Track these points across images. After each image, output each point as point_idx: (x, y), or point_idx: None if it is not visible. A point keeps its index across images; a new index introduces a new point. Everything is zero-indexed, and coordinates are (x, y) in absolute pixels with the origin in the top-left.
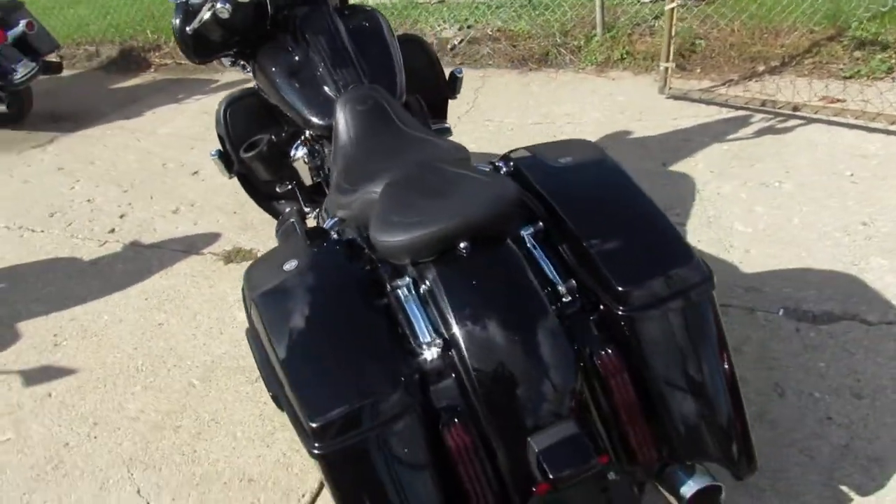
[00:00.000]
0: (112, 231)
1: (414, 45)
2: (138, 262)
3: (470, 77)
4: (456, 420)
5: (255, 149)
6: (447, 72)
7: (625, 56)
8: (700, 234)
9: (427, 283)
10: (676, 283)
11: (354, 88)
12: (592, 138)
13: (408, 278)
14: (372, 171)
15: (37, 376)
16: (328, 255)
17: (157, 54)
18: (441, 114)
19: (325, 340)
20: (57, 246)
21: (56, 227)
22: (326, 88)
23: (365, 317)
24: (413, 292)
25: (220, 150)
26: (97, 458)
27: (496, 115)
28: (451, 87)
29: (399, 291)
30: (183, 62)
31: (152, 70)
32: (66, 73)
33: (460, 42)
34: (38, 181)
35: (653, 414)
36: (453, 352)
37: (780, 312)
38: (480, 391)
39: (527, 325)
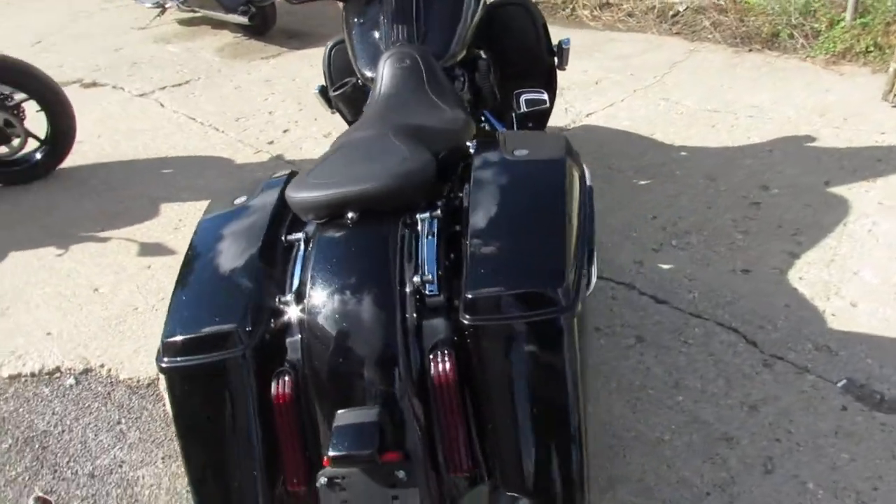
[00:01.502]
0: (271, 143)
1: (517, 10)
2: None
3: (676, 50)
4: (286, 376)
5: (342, 89)
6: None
7: (871, 49)
8: (808, 272)
9: (311, 243)
10: (529, 305)
11: (401, 46)
12: (766, 138)
13: (301, 234)
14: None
15: (147, 250)
16: (270, 197)
17: None
18: (541, 82)
19: (212, 269)
20: (226, 147)
21: (234, 130)
22: (381, 42)
23: (253, 257)
24: (300, 249)
25: (321, 86)
26: (150, 327)
27: (675, 95)
28: (559, 57)
29: (293, 244)
30: None
31: None
32: None
33: (685, 9)
34: (245, 88)
35: (479, 432)
36: (303, 312)
37: (840, 384)
38: (308, 355)
39: (366, 306)
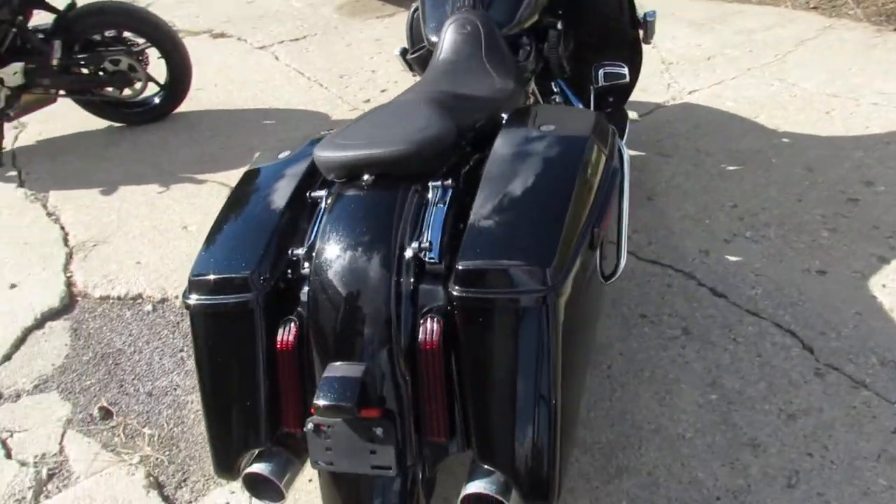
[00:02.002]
0: (367, 101)
1: None
2: None
3: (808, 26)
4: (292, 324)
5: (417, 52)
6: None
7: None
8: (894, 280)
9: (329, 200)
10: (514, 281)
11: (465, 11)
12: (887, 129)
13: (324, 192)
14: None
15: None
16: (308, 154)
17: None
18: (623, 56)
19: (242, 217)
20: (326, 102)
21: (337, 86)
22: (448, 7)
23: (280, 209)
24: (321, 206)
25: (403, 48)
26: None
27: (793, 76)
28: (644, 30)
29: (317, 201)
30: None
31: None
32: None
33: None
34: (355, 46)
35: (461, 401)
36: (311, 265)
37: None
38: (311, 307)
39: (365, 266)
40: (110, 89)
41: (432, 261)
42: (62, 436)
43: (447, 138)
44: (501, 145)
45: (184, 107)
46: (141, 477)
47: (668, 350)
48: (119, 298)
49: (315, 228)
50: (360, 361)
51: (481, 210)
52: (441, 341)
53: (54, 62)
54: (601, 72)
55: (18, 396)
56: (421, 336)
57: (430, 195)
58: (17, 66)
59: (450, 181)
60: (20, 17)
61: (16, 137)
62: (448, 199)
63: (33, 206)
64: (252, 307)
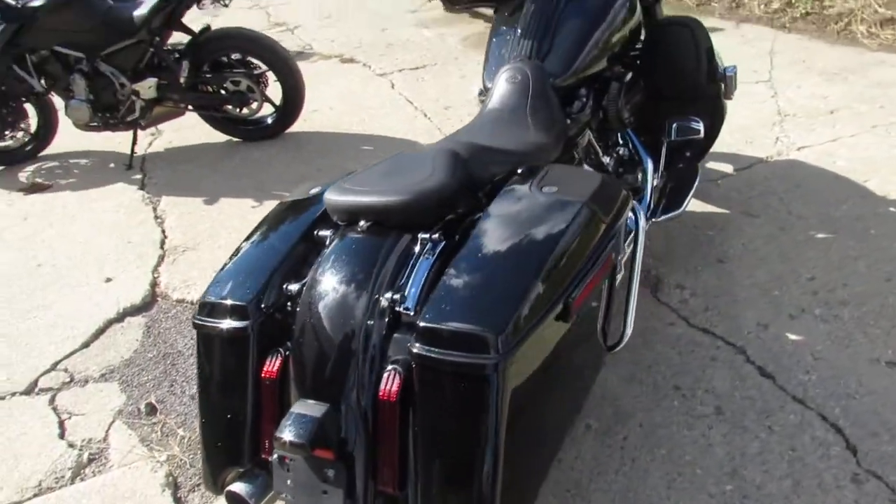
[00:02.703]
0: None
1: (681, 31)
2: None
3: None
4: (277, 356)
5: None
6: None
7: None
8: None
9: (329, 241)
10: (466, 345)
11: (519, 61)
12: None
13: (329, 232)
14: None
15: None
16: None
17: None
18: (700, 110)
19: (258, 247)
20: (425, 133)
21: (439, 118)
22: (505, 54)
23: (292, 245)
24: (327, 244)
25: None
26: None
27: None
28: (725, 85)
29: (323, 239)
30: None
31: None
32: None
33: None
34: (469, 78)
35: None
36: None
37: None
38: (293, 342)
39: (342, 311)
40: (230, 107)
41: (407, 312)
42: (110, 425)
43: (442, 193)
44: (496, 204)
45: (297, 127)
46: (162, 475)
47: (693, 429)
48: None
49: (313, 264)
50: (325, 402)
51: (456, 268)
52: (400, 394)
53: (182, 79)
54: (674, 126)
55: (86, 382)
56: (382, 386)
57: (417, 247)
58: (152, 81)
59: (438, 235)
60: (157, 38)
61: (150, 144)
62: (437, 251)
63: (146, 208)
64: (247, 334)
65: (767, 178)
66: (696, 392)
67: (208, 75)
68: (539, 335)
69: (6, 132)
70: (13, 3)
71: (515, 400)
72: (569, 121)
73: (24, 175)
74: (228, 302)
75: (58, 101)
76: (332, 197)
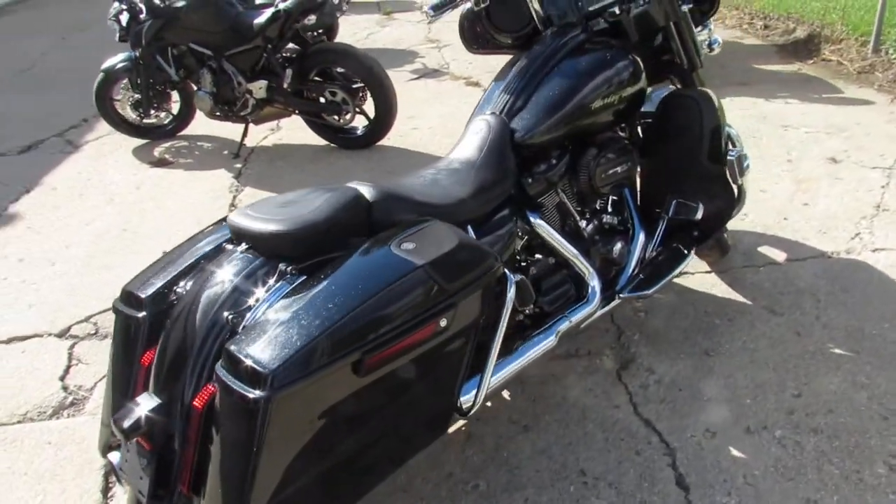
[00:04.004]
0: None
1: (687, 104)
2: None
3: None
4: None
5: None
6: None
7: None
8: None
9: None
10: (247, 377)
11: (487, 113)
12: None
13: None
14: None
15: None
16: None
17: (830, 47)
18: (698, 189)
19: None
20: None
21: None
22: (484, 105)
23: (204, 256)
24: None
25: None
26: None
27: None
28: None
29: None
30: (844, 61)
31: (811, 61)
32: (745, 41)
33: None
34: None
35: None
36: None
37: None
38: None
39: (193, 320)
40: (326, 115)
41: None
42: (101, 379)
43: (310, 230)
44: (354, 252)
45: (392, 141)
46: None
47: None
48: None
49: None
50: (161, 399)
51: (282, 303)
52: (207, 405)
53: (286, 85)
54: (673, 203)
55: (104, 338)
56: (197, 395)
57: (274, 276)
58: (262, 83)
59: (298, 269)
60: (270, 45)
61: (265, 137)
62: (293, 284)
63: (228, 195)
64: (140, 323)
65: (816, 276)
66: (598, 483)
67: (310, 84)
68: (325, 382)
69: (152, 111)
70: (159, 3)
71: (295, 434)
72: (530, 180)
73: (158, 150)
74: (134, 292)
75: None
76: (231, 218)
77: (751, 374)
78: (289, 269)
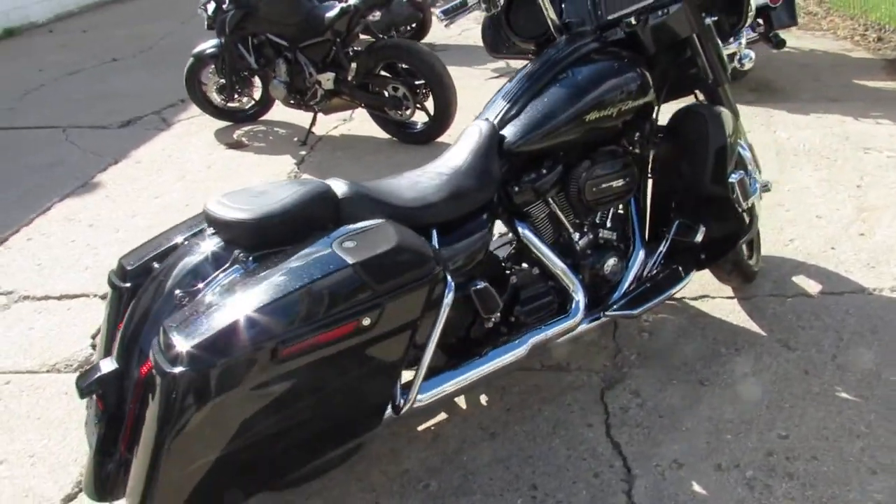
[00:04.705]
0: None
1: (694, 121)
2: None
3: None
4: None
5: None
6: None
7: None
8: None
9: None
10: (169, 356)
11: (482, 118)
12: None
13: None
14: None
15: None
16: None
17: None
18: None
19: (169, 230)
20: None
21: None
22: (486, 109)
23: (189, 237)
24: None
25: None
26: None
27: None
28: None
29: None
30: None
31: None
32: (853, 54)
33: None
34: None
35: None
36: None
37: None
38: None
39: (154, 296)
40: (388, 109)
41: None
42: None
43: (265, 221)
44: (301, 244)
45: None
46: None
47: None
48: None
49: None
50: (119, 364)
51: (226, 285)
52: (147, 375)
53: (350, 78)
54: (676, 223)
55: None
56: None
57: (227, 262)
58: (330, 75)
59: (251, 257)
60: (338, 39)
61: (335, 126)
62: (245, 269)
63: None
64: (122, 292)
65: (847, 313)
66: (547, 499)
67: (377, 78)
68: (240, 366)
69: (234, 96)
70: None
71: (210, 411)
72: (517, 188)
73: (237, 133)
74: (123, 265)
75: None
76: (207, 204)
77: (741, 409)
78: (241, 255)
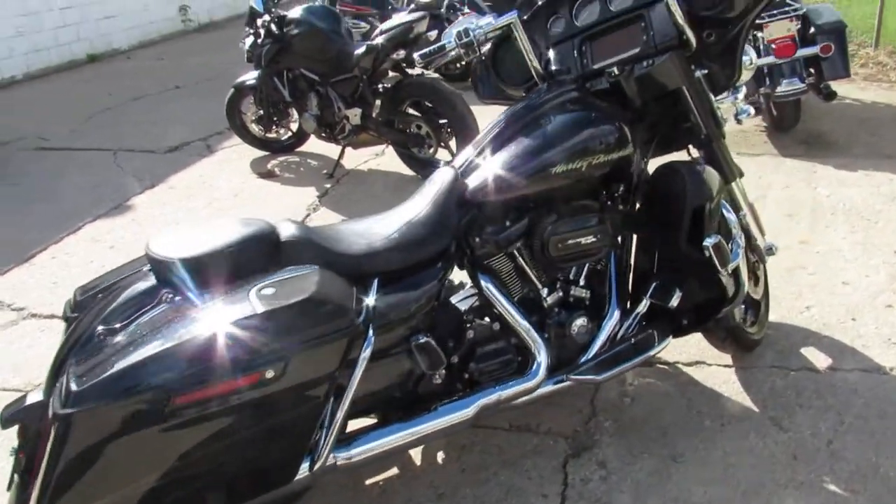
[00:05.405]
0: None
1: (672, 179)
2: None
3: None
4: None
5: None
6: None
7: None
8: None
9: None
10: (60, 397)
11: (451, 164)
12: None
13: None
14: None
15: None
16: None
17: None
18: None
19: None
20: None
21: None
22: (458, 155)
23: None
24: None
25: None
26: None
27: None
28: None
29: None
30: None
31: None
32: None
33: None
34: None
35: None
36: None
37: None
38: None
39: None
40: (411, 146)
41: None
42: None
43: (189, 263)
44: (226, 288)
45: None
46: None
47: None
48: None
49: None
50: (43, 396)
51: (137, 326)
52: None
53: (374, 114)
54: (654, 285)
55: None
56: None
57: (153, 301)
58: (357, 111)
59: (171, 297)
60: (365, 76)
61: (365, 161)
62: (165, 309)
63: (301, 214)
64: (69, 324)
65: (855, 393)
66: None
67: (401, 115)
68: (128, 413)
69: (272, 127)
70: (276, 30)
71: (99, 454)
72: (478, 240)
73: (271, 163)
74: (76, 296)
75: None
76: (148, 241)
77: (711, 493)
78: (167, 295)
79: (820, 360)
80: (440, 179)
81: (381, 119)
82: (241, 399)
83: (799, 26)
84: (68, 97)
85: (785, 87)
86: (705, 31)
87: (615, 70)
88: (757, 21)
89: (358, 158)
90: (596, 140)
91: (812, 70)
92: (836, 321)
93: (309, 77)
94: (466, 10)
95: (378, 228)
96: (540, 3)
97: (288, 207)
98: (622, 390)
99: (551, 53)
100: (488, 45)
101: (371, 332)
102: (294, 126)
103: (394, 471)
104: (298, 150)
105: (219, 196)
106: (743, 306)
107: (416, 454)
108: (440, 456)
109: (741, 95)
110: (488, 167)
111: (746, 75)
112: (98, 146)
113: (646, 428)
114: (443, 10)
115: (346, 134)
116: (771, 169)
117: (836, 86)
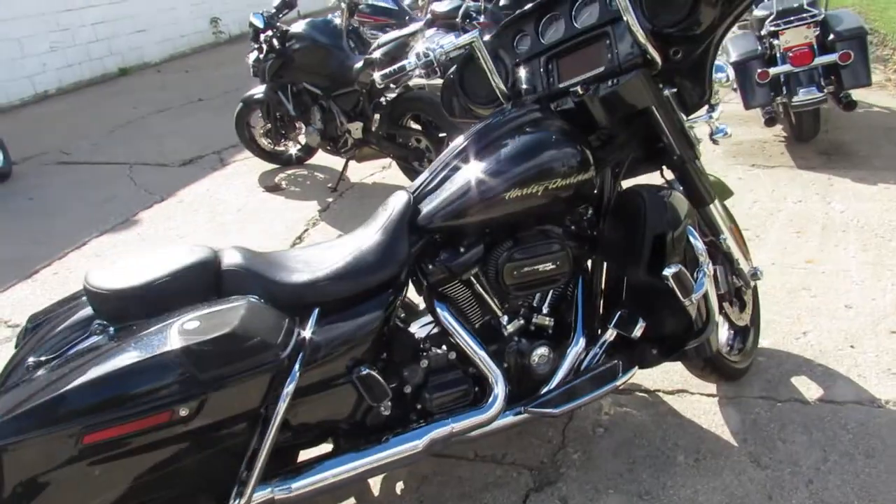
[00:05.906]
0: None
1: (632, 204)
2: None
3: None
4: None
5: None
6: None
7: None
8: None
9: None
10: None
11: (405, 190)
12: None
13: None
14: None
15: None
16: None
17: None
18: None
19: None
20: None
21: None
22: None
23: None
24: None
25: None
26: None
27: None
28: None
29: None
30: None
31: None
32: None
33: None
34: None
35: None
36: None
37: None
38: None
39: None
40: (411, 160)
41: None
42: None
43: (120, 293)
44: (155, 320)
45: None
46: None
47: None
48: None
49: None
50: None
51: (65, 358)
52: None
53: (374, 128)
54: (618, 314)
55: None
56: None
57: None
58: (358, 125)
59: (108, 329)
60: (364, 91)
61: (370, 174)
62: (95, 342)
63: (300, 228)
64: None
65: (844, 428)
66: None
67: (402, 129)
68: (38, 450)
69: (280, 140)
70: (278, 45)
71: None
72: (430, 267)
73: (278, 176)
74: (30, 322)
75: None
76: (87, 272)
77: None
78: (98, 327)
79: (810, 390)
80: (393, 204)
81: (381, 133)
82: (157, 437)
83: (818, 33)
84: (95, 111)
85: (802, 97)
86: (672, 49)
87: (579, 90)
88: (773, 28)
89: (364, 172)
90: (553, 163)
91: (832, 78)
92: (833, 348)
93: (312, 91)
94: (483, 19)
95: (325, 256)
96: (505, 20)
97: (288, 222)
98: (596, 419)
99: (522, 72)
100: (454, 65)
101: (297, 366)
102: (302, 139)
103: (350, 501)
104: (308, 162)
105: (222, 210)
106: (732, 332)
107: (374, 483)
108: (399, 486)
109: (716, 114)
110: (441, 192)
111: (723, 93)
112: (116, 160)
113: (614, 461)
114: (458, 19)
115: (348, 147)
116: (785, 182)
117: (866, 93)
